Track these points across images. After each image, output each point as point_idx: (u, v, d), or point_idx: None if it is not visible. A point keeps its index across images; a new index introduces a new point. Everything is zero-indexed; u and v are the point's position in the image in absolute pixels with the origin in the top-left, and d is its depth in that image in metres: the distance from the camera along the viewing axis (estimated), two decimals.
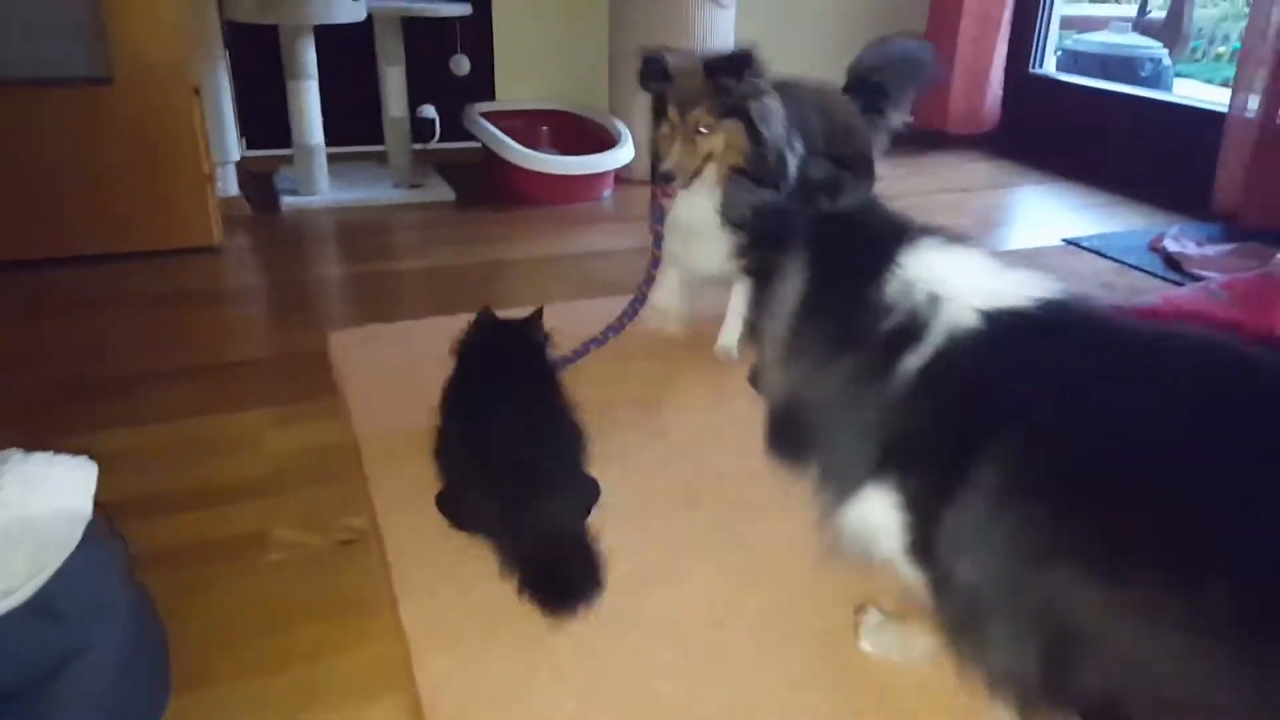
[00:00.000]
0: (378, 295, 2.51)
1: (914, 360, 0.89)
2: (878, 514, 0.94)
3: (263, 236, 2.90)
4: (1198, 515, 0.74)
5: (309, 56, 2.95)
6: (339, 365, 2.02)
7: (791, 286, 1.00)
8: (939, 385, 0.88)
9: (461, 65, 3.37)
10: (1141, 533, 0.75)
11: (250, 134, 3.32)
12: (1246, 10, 4.04)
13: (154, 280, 2.50)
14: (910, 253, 0.95)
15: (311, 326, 2.23)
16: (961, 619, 0.88)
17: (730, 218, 1.81)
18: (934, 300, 0.90)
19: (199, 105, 2.56)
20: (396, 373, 1.97)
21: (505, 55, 3.67)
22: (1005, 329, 0.87)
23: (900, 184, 3.66)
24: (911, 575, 0.95)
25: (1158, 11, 5.65)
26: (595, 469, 1.54)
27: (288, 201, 3.09)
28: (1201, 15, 5.82)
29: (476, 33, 3.52)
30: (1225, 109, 3.15)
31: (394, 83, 3.22)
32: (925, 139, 4.20)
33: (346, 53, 3.20)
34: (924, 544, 0.90)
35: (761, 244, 1.16)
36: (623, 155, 3.25)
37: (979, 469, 0.82)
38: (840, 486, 0.97)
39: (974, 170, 3.93)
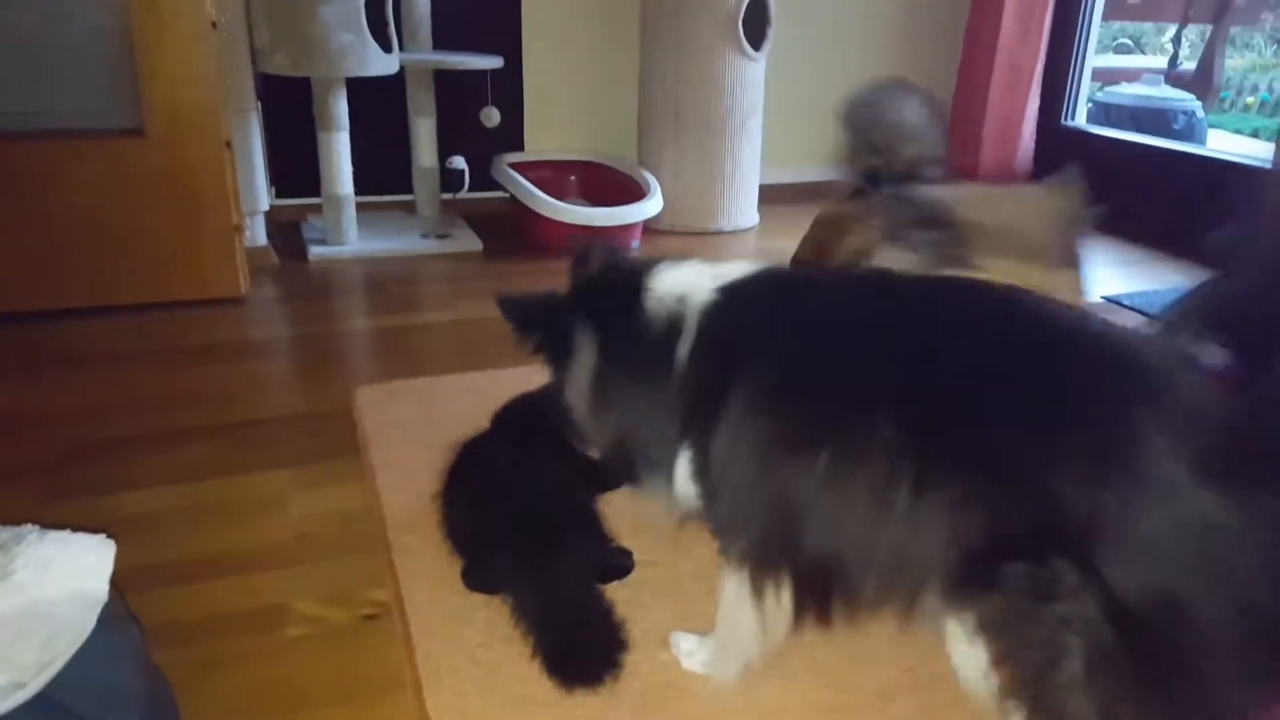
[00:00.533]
0: (404, 349, 2.47)
1: (683, 347, 1.12)
2: (682, 471, 1.15)
3: (290, 287, 2.88)
4: (861, 407, 0.96)
5: (341, 108, 2.95)
6: (364, 423, 1.97)
7: (582, 351, 1.22)
8: (701, 354, 1.11)
9: (491, 117, 3.37)
10: (824, 423, 0.99)
11: (279, 183, 3.32)
12: (1276, 61, 4.01)
13: (178, 333, 2.48)
14: (653, 277, 1.19)
15: (337, 382, 2.19)
16: (725, 519, 1.13)
17: None
18: (681, 298, 1.14)
19: (230, 157, 2.56)
20: (423, 431, 1.93)
21: (535, 106, 3.67)
22: (735, 297, 1.13)
23: None
24: (697, 503, 1.16)
25: (1188, 63, 5.63)
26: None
27: (315, 251, 3.07)
28: (1230, 65, 5.80)
29: (507, 84, 3.53)
30: (1262, 163, 3.09)
31: (424, 133, 3.22)
32: None
33: (377, 103, 3.21)
34: (702, 472, 1.12)
35: (548, 335, 1.29)
36: (651, 207, 3.23)
37: (729, 403, 1.05)
38: (665, 468, 1.16)
39: None
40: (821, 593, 1.05)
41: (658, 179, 3.36)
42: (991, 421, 0.88)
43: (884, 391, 0.95)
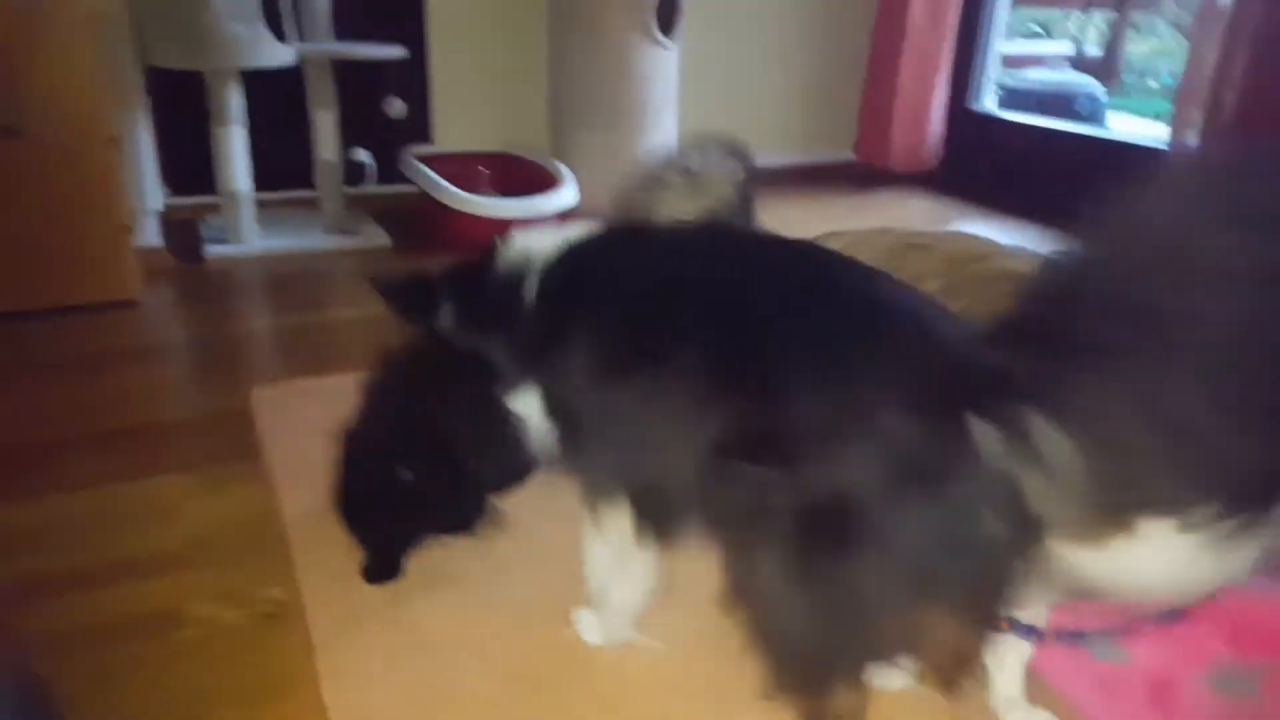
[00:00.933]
0: (307, 349, 2.39)
1: (529, 292, 1.21)
2: (528, 404, 1.23)
3: (186, 289, 2.77)
4: (671, 339, 1.05)
5: (235, 102, 2.85)
6: (262, 425, 1.90)
7: (443, 313, 1.32)
8: (543, 298, 1.20)
9: (396, 108, 3.29)
10: (640, 355, 1.07)
11: (174, 181, 3.19)
12: (1176, 46, 4.15)
13: (67, 339, 2.35)
14: (506, 244, 1.28)
15: (235, 384, 2.11)
16: (569, 445, 1.20)
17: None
18: (526, 254, 1.24)
19: (117, 154, 2.44)
20: (322, 431, 1.85)
21: (442, 98, 3.60)
22: (572, 250, 1.22)
23: (844, 222, 3.65)
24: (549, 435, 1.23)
25: (1093, 49, 5.81)
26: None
27: (214, 251, 2.96)
28: (1134, 51, 6.00)
29: (412, 75, 3.45)
30: (1161, 144, 3.19)
31: (326, 127, 3.13)
32: (870, 177, 4.23)
33: (276, 96, 3.11)
34: (551, 406, 1.20)
35: (420, 309, 1.37)
36: (566, 198, 3.19)
37: (568, 337, 1.14)
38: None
39: (917, 207, 3.94)
40: (655, 515, 1.14)
41: (572, 170, 3.32)
42: (763, 353, 0.99)
43: (689, 325, 1.05)
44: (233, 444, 1.85)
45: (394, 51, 3.16)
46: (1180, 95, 3.16)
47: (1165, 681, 1.09)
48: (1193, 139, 3.06)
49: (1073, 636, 1.16)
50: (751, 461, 0.95)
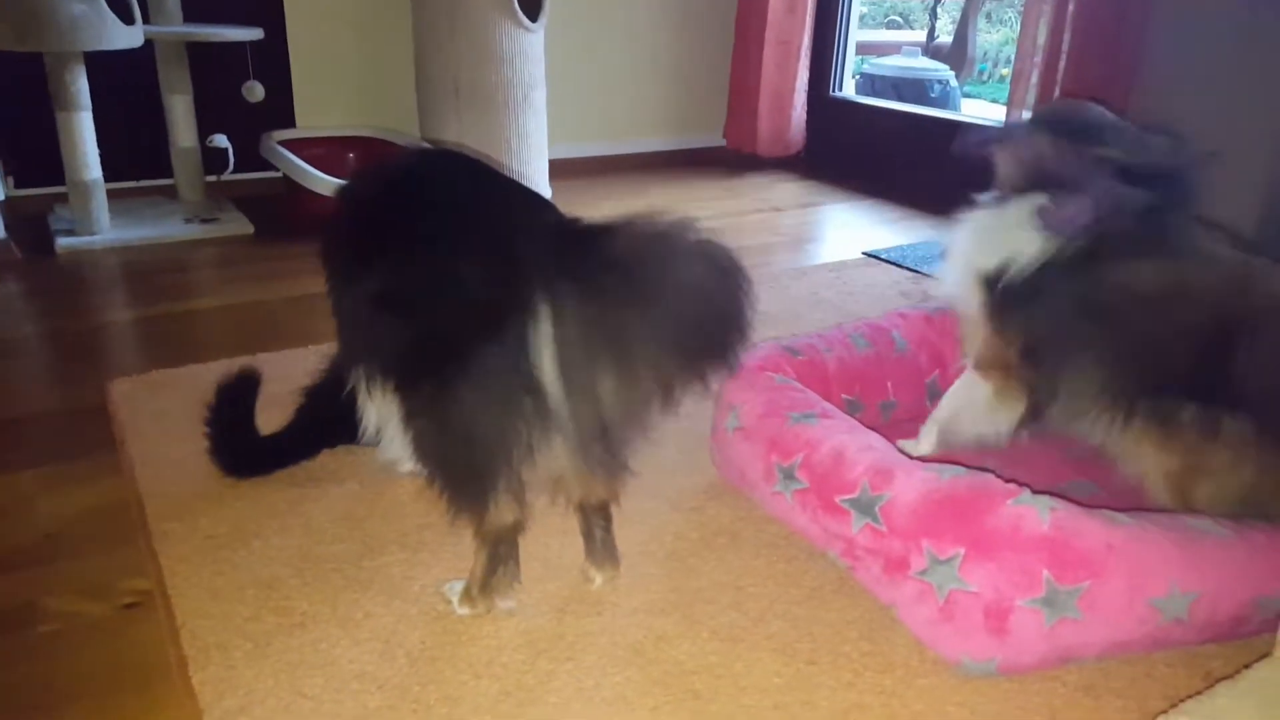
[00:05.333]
0: (167, 339, 2.32)
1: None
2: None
3: (36, 283, 2.64)
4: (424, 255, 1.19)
5: (80, 86, 2.72)
6: (120, 417, 1.85)
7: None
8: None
9: (255, 91, 3.21)
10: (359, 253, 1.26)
11: (17, 171, 3.03)
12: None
13: None
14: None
15: (90, 378, 2.03)
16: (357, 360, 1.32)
17: None
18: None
19: None
20: (186, 421, 1.82)
21: (304, 80, 3.52)
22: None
23: (716, 205, 3.76)
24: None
25: (945, 37, 6.08)
26: None
27: (64, 243, 2.83)
28: (986, 40, 6.31)
29: (271, 57, 3.36)
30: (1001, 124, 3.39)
31: (181, 112, 3.03)
32: (739, 162, 4.34)
33: (127, 80, 2.99)
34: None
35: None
36: None
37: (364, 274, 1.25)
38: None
39: (784, 190, 4.08)
40: (371, 377, 1.28)
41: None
42: (414, 235, 1.21)
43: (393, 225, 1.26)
44: (90, 438, 1.80)
45: (250, 33, 3.07)
46: (1014, 76, 3.37)
47: (999, 608, 1.20)
48: (1026, 116, 3.26)
49: None
50: (384, 310, 1.20)
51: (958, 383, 1.69)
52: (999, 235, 1.55)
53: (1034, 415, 1.59)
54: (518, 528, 1.29)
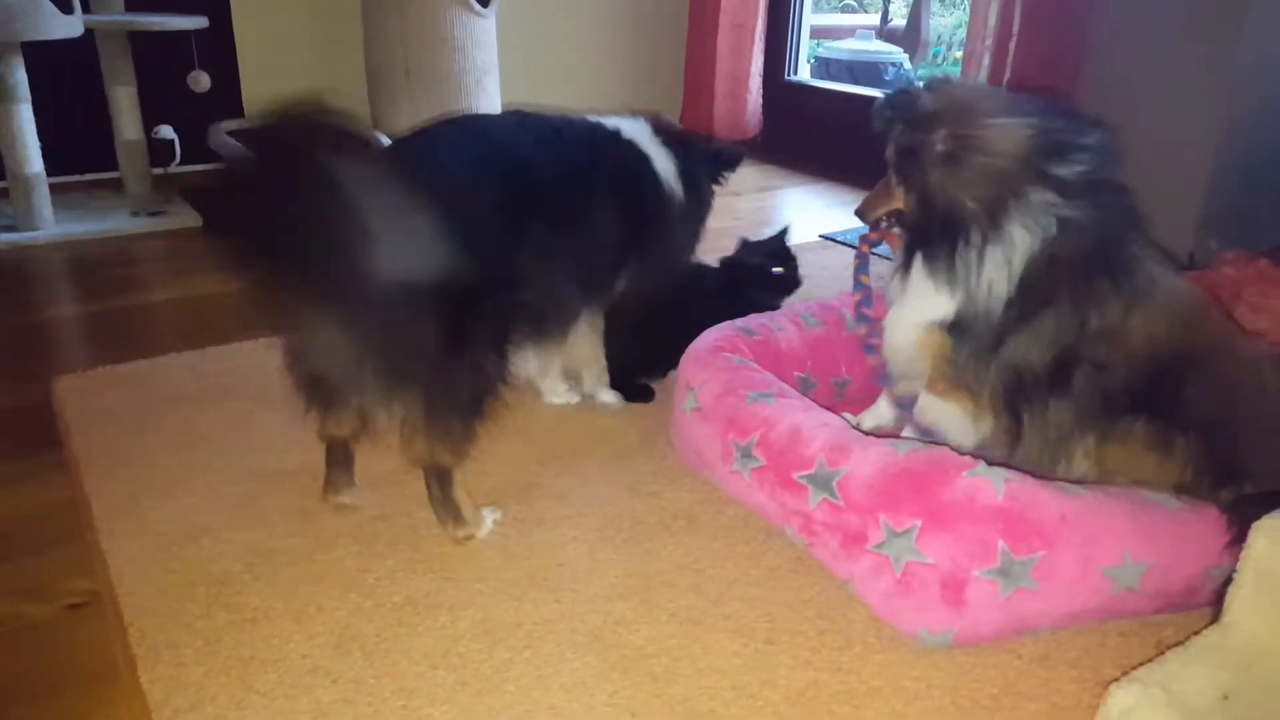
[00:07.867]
0: (113, 335, 2.26)
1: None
2: None
3: None
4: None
5: (18, 77, 2.64)
6: (65, 415, 1.80)
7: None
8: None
9: (200, 81, 3.13)
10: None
11: None
12: None
13: None
14: None
15: (33, 376, 1.98)
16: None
17: None
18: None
19: None
20: (133, 417, 1.79)
21: (251, 69, 3.45)
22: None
23: None
24: None
25: (898, 20, 6.10)
26: None
27: (4, 239, 2.75)
28: (939, 23, 6.34)
29: (216, 46, 3.28)
30: None
31: (125, 103, 2.95)
32: None
33: (68, 71, 2.91)
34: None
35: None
36: None
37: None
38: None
39: (741, 174, 4.04)
40: None
41: (392, 140, 3.25)
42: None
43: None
44: (34, 436, 1.75)
45: (194, 21, 3.00)
46: (966, 58, 3.39)
47: (955, 579, 1.21)
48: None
49: None
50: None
51: (922, 399, 1.55)
52: (945, 283, 1.42)
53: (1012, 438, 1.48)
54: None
